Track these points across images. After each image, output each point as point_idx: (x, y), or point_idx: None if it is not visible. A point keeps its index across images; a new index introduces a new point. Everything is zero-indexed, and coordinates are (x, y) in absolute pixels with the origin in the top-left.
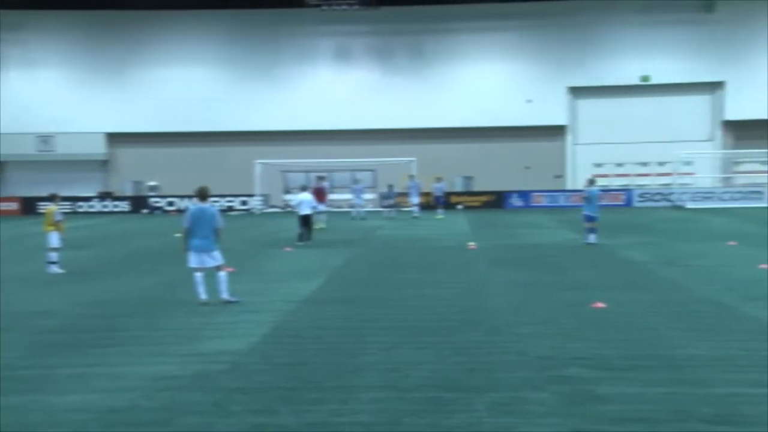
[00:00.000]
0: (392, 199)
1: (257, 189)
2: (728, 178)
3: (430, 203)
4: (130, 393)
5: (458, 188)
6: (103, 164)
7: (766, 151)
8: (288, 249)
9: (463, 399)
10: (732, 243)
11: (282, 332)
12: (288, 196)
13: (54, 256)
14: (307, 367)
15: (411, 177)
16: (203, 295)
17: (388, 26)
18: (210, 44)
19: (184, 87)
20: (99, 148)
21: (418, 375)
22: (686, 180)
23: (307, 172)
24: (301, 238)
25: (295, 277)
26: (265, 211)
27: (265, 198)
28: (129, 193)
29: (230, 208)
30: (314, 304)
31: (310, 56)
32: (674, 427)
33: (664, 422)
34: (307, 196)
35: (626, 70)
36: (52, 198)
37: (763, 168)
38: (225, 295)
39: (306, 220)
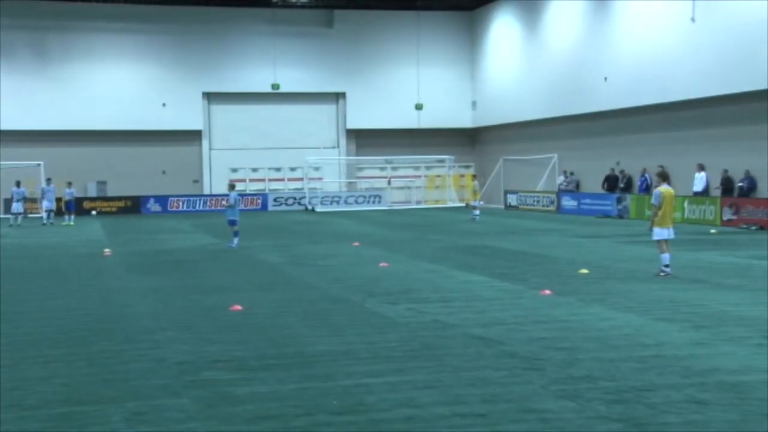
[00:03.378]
0: (21, 203)
1: None
2: (352, 182)
3: (61, 209)
4: None
5: (92, 193)
6: None
7: (383, 158)
8: None
9: (97, 411)
10: (356, 243)
11: None
12: None
13: None
14: None
15: (48, 181)
16: None
17: (6, 20)
18: None
19: None
20: None
21: (47, 391)
22: (316, 185)
23: None
24: None
25: None
26: None
27: None
28: None
29: None
30: None
31: None
32: (305, 421)
33: (296, 417)
34: None
35: (258, 77)
36: None
37: (381, 173)
38: None
39: None
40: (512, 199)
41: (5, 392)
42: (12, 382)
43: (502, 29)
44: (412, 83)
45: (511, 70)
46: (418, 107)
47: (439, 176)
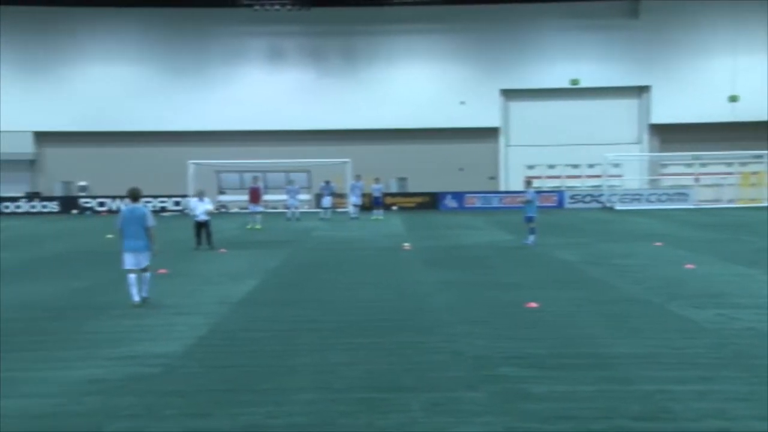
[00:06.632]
0: (329, 195)
1: (190, 190)
2: (655, 180)
3: (366, 204)
4: (58, 398)
5: (393, 189)
6: (31, 164)
7: (690, 153)
8: (222, 250)
9: (397, 399)
10: (658, 243)
11: (216, 334)
12: (191, 202)
13: None
14: (241, 370)
15: (357, 177)
16: (136, 297)
17: (320, 27)
18: (141, 42)
19: (116, 85)
20: (26, 148)
21: (352, 376)
22: (615, 182)
23: (241, 172)
24: (198, 244)
25: (230, 278)
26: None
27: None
28: (58, 193)
29: (163, 209)
30: (248, 306)
31: (242, 56)
32: (602, 425)
33: (593, 420)
34: (204, 205)
35: (556, 73)
36: None
37: (688, 170)
38: (143, 294)
39: (202, 227)
40: None
41: (316, 375)
42: (322, 365)
43: None
44: (726, 74)
45: None
46: (733, 99)
47: (755, 173)
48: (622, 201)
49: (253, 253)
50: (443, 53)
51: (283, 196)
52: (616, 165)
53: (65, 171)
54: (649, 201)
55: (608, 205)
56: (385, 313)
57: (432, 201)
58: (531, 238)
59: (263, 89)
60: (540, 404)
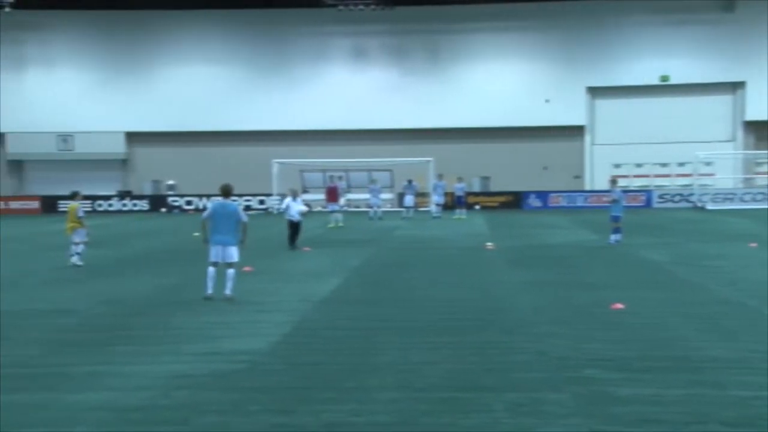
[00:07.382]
0: (412, 195)
1: (275, 188)
2: (749, 179)
3: (448, 204)
4: (147, 391)
5: (476, 188)
6: (123, 163)
7: None
8: (306, 249)
9: (480, 399)
10: (753, 245)
11: (300, 332)
12: (287, 202)
13: (80, 247)
14: (324, 367)
15: (440, 176)
16: (210, 290)
17: (404, 26)
18: (227, 43)
19: (202, 86)
20: (118, 148)
21: (435, 375)
22: (706, 181)
23: (324, 171)
24: (291, 243)
25: (313, 277)
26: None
27: (283, 197)
28: (148, 192)
29: (248, 208)
30: (331, 304)
31: (326, 56)
32: (694, 429)
33: (683, 424)
34: (298, 205)
35: (645, 70)
36: (73, 196)
37: None
38: (228, 292)
39: (293, 226)
40: None
41: (399, 373)
42: (405, 364)
43: None
44: None
45: None
46: None
47: None
48: (714, 200)
49: (336, 252)
50: (527, 51)
51: (366, 195)
52: (708, 163)
53: (155, 170)
54: (743, 201)
55: (699, 204)
56: (468, 313)
57: (515, 200)
58: (613, 237)
59: (347, 89)
60: (626, 407)
